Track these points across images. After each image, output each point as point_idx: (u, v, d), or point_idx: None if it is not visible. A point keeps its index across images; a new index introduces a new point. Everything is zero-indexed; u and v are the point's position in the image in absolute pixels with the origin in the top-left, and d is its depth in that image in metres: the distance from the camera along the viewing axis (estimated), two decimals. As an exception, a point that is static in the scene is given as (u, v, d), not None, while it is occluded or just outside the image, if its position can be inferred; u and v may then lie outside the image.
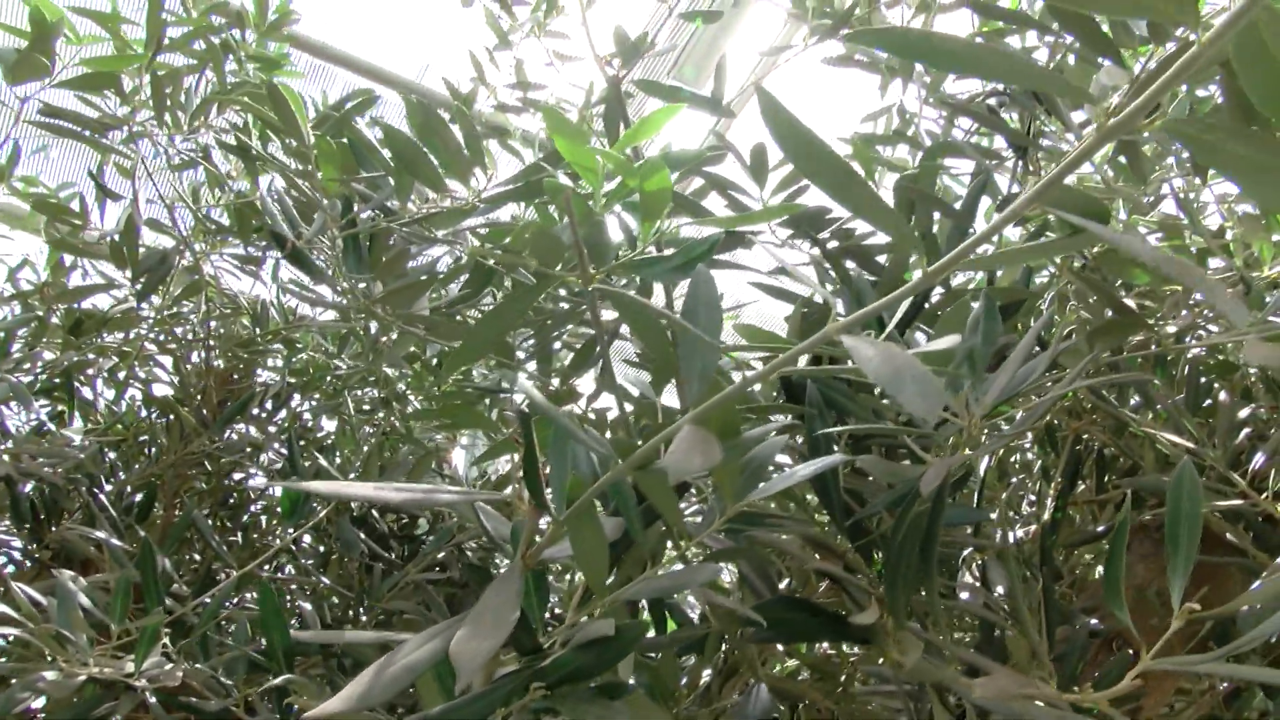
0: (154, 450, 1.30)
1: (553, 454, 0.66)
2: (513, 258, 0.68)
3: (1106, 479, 1.08)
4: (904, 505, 0.70)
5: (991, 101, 1.09)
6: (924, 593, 0.64)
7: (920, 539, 0.64)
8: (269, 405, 1.38)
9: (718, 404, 0.55)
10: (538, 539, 0.65)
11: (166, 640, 0.92)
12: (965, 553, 1.05)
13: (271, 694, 0.73)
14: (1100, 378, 0.86)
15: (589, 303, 0.65)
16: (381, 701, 0.60)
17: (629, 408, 0.87)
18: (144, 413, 1.35)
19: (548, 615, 0.84)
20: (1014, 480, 1.07)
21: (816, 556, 0.77)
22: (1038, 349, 0.93)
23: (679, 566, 0.79)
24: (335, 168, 0.85)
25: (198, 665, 0.94)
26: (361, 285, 0.91)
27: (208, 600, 1.02)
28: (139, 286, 1.18)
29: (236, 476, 1.41)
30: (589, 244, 0.64)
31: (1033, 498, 1.19)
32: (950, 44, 0.40)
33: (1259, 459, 0.88)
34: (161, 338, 1.33)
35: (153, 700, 0.90)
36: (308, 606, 1.20)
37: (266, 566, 1.36)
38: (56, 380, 1.24)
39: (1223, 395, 0.94)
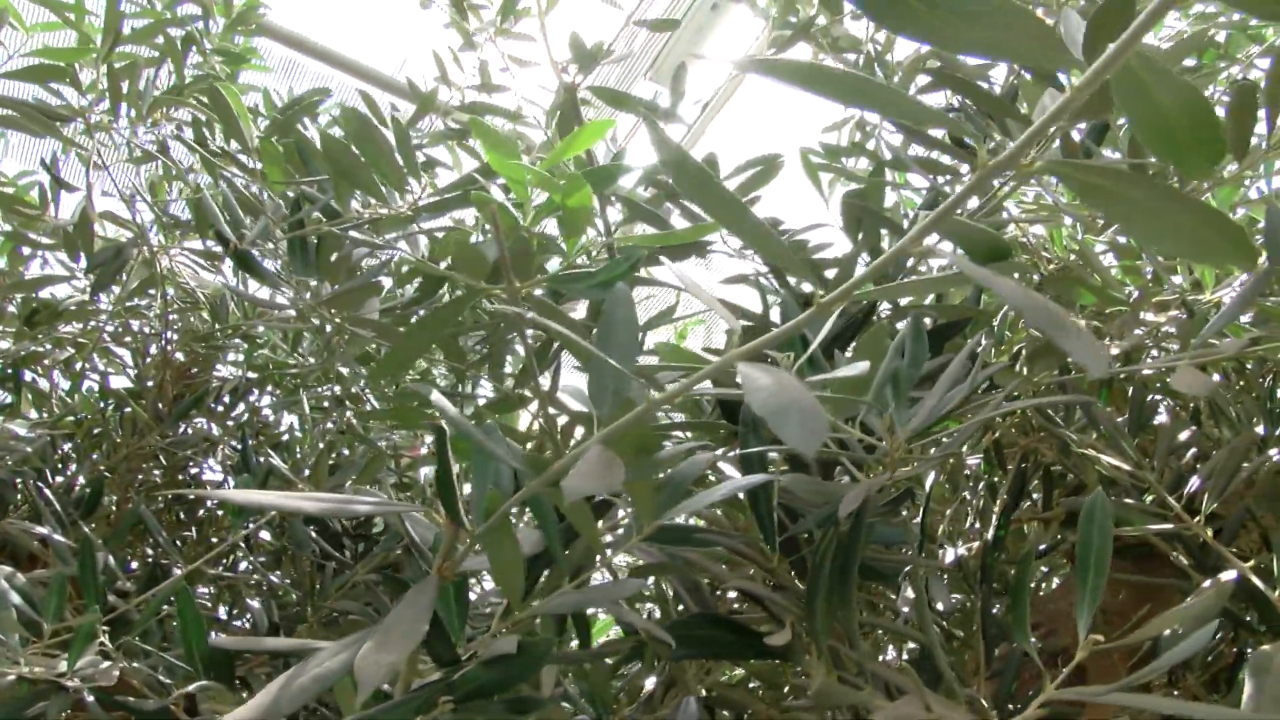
0: (105, 444, 1.30)
1: (474, 467, 0.67)
2: (455, 267, 0.68)
3: (1053, 496, 1.09)
4: (829, 525, 0.70)
5: (950, 116, 1.09)
6: (841, 612, 0.65)
7: (839, 560, 0.65)
8: (226, 400, 1.38)
9: (628, 424, 0.55)
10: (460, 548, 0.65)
11: (106, 638, 0.92)
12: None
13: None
14: (1040, 398, 0.86)
15: (517, 316, 0.66)
16: (289, 712, 0.60)
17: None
18: (99, 405, 1.35)
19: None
20: (963, 495, 1.08)
21: (751, 572, 0.78)
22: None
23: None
24: (279, 169, 0.85)
25: (136, 664, 0.95)
26: (309, 286, 0.91)
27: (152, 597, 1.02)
28: (93, 279, 1.18)
29: (193, 471, 1.41)
30: (515, 257, 0.64)
31: (987, 512, 1.19)
32: (836, 75, 0.41)
33: (1194, 482, 0.88)
34: (118, 330, 1.33)
35: (90, 699, 0.90)
36: (255, 604, 1.21)
37: (222, 563, 1.37)
38: (9, 371, 1.24)
39: (1164, 417, 0.95)
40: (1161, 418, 0.98)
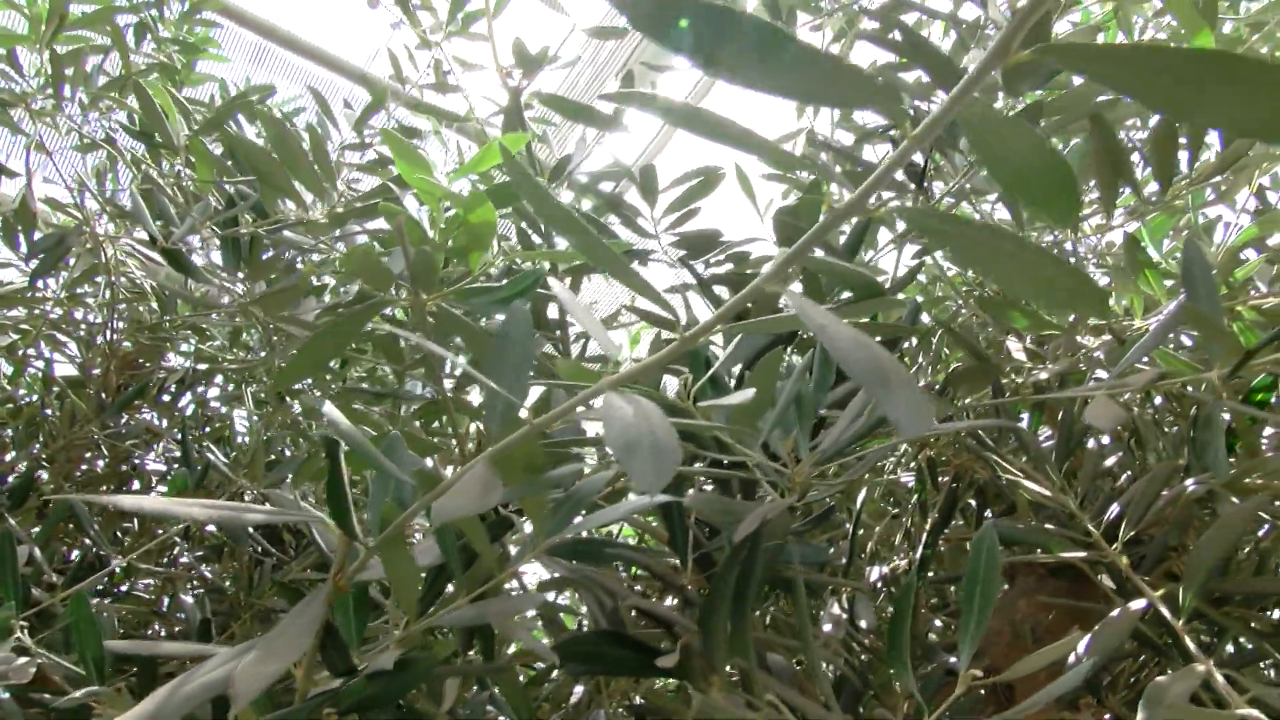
0: (44, 433, 1.29)
1: (375, 479, 0.67)
2: (359, 278, 0.68)
3: (984, 517, 1.09)
4: (739, 545, 0.71)
5: (895, 133, 1.10)
6: (736, 632, 0.65)
7: (735, 580, 0.65)
8: (172, 391, 1.38)
9: (511, 444, 0.56)
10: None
11: (25, 634, 0.92)
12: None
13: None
14: (971, 420, 0.87)
15: (422, 324, 0.66)
16: (174, 719, 0.60)
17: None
18: (39, 393, 1.34)
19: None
20: (894, 512, 1.08)
21: (664, 588, 0.78)
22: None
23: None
24: (209, 167, 0.85)
25: (57, 659, 0.94)
26: (240, 285, 0.91)
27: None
28: (33, 266, 1.18)
29: (136, 462, 1.41)
30: (420, 269, 0.64)
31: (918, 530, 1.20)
32: (697, 112, 0.41)
33: (1114, 509, 0.89)
34: (63, 318, 1.32)
35: (4, 695, 0.90)
36: (189, 599, 1.20)
37: (167, 555, 1.36)
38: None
39: (1091, 442, 0.95)
40: (1102, 441, 0.98)
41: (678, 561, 0.80)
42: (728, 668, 0.73)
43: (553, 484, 0.59)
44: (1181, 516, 0.89)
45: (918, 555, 1.01)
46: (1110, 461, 0.97)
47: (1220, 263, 0.86)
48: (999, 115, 0.37)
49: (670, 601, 0.96)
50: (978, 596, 0.58)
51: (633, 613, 0.83)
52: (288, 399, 1.26)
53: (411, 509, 0.61)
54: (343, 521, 0.63)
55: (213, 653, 0.66)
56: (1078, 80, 0.93)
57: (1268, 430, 0.95)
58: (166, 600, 1.38)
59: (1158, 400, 1.08)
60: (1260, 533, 0.98)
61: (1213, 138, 0.87)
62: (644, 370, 0.49)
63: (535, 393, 0.88)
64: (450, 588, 0.76)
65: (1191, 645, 0.77)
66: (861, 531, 1.06)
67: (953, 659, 0.99)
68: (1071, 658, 0.79)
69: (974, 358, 0.87)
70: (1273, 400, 0.95)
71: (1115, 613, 0.81)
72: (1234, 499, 0.84)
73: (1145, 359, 0.90)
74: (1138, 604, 0.81)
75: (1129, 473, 1.03)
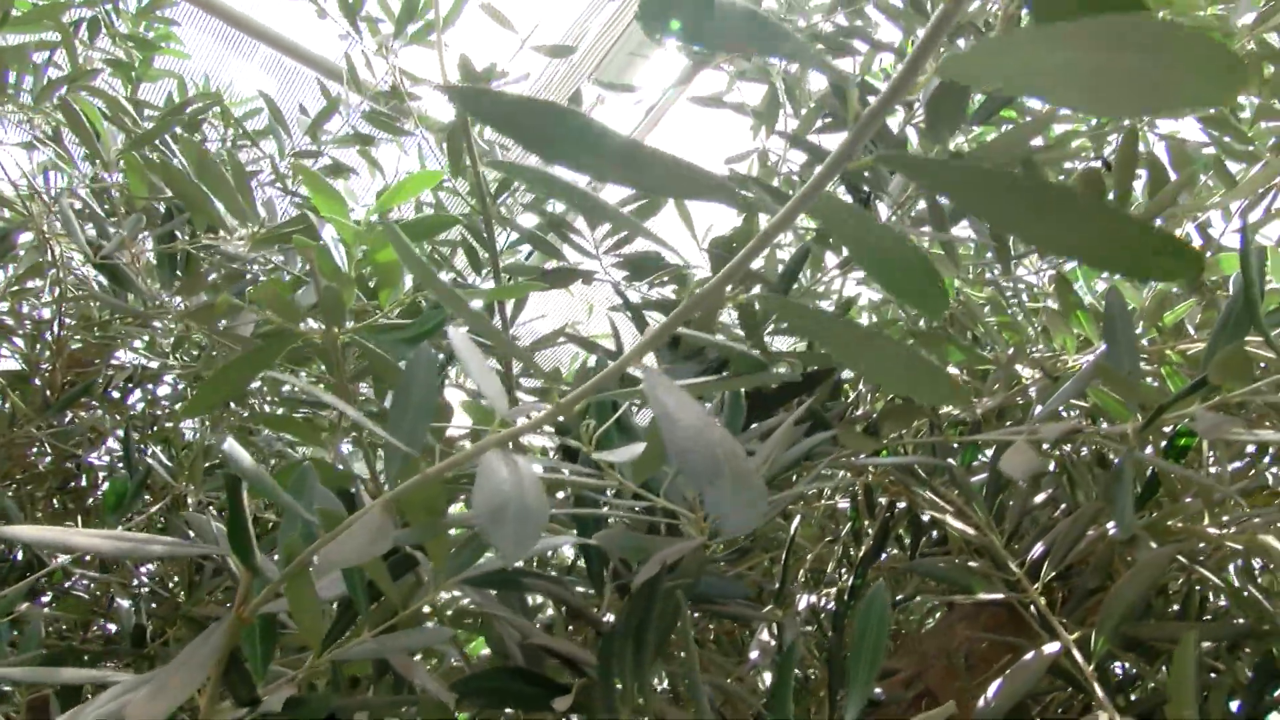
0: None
1: (286, 513, 0.67)
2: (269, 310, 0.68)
3: (919, 547, 1.10)
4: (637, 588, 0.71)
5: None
6: (635, 671, 0.66)
7: (635, 620, 0.66)
8: (120, 388, 1.37)
9: (406, 490, 0.56)
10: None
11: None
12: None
13: None
14: (886, 458, 0.87)
15: (332, 353, 0.66)
16: (66, 750, 0.60)
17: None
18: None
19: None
20: (827, 540, 1.09)
21: (572, 624, 0.78)
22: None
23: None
24: (142, 181, 0.84)
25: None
26: (175, 299, 0.91)
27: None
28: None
29: (81, 459, 1.40)
30: (328, 303, 0.64)
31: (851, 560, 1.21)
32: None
33: (1038, 549, 0.90)
34: (8, 313, 1.31)
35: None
36: (125, 604, 1.20)
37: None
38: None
39: (1022, 480, 0.96)
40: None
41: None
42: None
43: (453, 525, 0.60)
44: (1103, 559, 0.90)
45: (849, 584, 1.02)
46: (1041, 499, 0.98)
47: (1148, 308, 0.87)
48: (850, 210, 0.37)
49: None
50: (865, 652, 0.59)
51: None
52: (234, 405, 1.26)
53: (311, 548, 0.61)
54: (243, 556, 0.63)
55: (113, 681, 0.66)
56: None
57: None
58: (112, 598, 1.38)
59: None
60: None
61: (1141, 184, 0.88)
62: (544, 420, 0.49)
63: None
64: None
65: (1100, 691, 0.78)
66: (794, 560, 1.06)
67: (878, 690, 1.01)
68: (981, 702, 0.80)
69: (895, 398, 0.87)
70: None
71: (1029, 656, 0.82)
72: (1152, 544, 0.85)
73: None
74: (1051, 647, 0.82)
75: (1062, 510, 1.04)
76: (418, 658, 0.77)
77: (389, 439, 0.55)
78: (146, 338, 1.42)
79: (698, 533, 0.68)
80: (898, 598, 1.06)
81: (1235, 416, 0.93)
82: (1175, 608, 1.04)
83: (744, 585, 0.77)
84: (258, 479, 0.60)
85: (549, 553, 1.02)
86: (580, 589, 0.86)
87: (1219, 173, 1.18)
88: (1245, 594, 0.83)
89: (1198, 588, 1.00)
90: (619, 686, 0.67)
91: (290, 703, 0.58)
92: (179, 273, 0.90)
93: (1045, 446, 0.96)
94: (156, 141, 0.95)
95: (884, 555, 1.09)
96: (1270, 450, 1.06)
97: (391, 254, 0.61)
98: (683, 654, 1.13)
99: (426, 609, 0.80)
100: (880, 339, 0.39)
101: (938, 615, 1.28)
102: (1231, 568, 0.94)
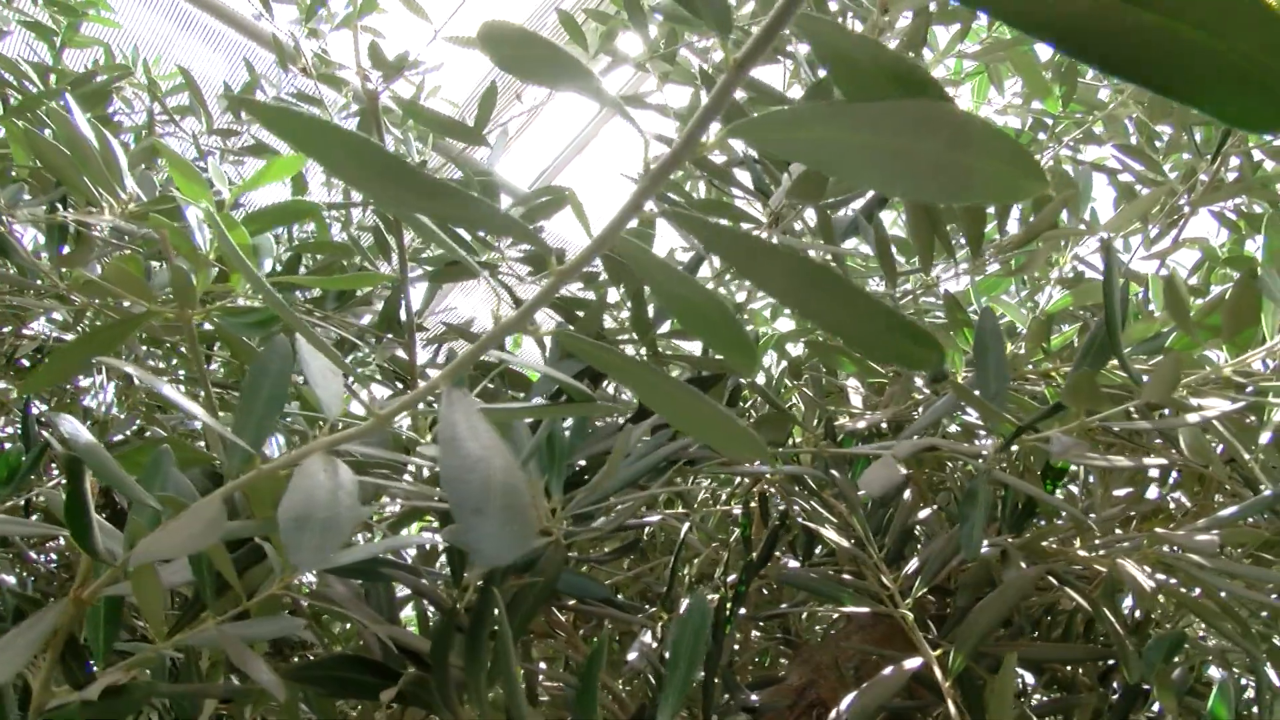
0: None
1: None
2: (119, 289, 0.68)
3: (812, 555, 1.11)
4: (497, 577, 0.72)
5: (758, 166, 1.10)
6: (470, 667, 0.66)
7: (475, 616, 0.66)
8: (30, 358, 1.35)
9: (243, 484, 0.56)
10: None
11: None
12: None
13: None
14: (769, 466, 0.88)
15: (187, 334, 0.65)
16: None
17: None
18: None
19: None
20: (714, 545, 1.09)
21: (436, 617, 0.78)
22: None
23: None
24: (23, 150, 0.83)
25: None
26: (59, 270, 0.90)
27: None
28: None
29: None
30: (177, 284, 0.64)
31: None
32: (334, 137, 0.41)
33: (912, 564, 0.91)
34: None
35: None
36: (10, 580, 1.19)
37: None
38: None
39: (907, 494, 0.97)
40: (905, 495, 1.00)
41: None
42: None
43: (252, 531, 0.60)
44: (976, 577, 0.91)
45: (731, 590, 1.02)
46: (926, 514, 0.99)
47: (1032, 329, 0.88)
48: (656, 259, 0.38)
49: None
50: (681, 659, 0.60)
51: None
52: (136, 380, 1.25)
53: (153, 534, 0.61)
54: (82, 540, 0.62)
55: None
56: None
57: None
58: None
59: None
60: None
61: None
62: (365, 430, 0.49)
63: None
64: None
65: (953, 709, 0.79)
66: (681, 564, 1.07)
67: (755, 696, 1.01)
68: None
69: (772, 405, 0.88)
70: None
71: (888, 670, 0.83)
72: (1022, 564, 0.86)
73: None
74: (912, 662, 0.83)
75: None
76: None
77: (225, 434, 0.55)
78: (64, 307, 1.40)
79: (547, 528, 0.68)
80: (783, 605, 1.07)
81: (1102, 441, 0.95)
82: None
83: (602, 585, 0.77)
84: (97, 461, 0.60)
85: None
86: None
87: (1127, 199, 1.20)
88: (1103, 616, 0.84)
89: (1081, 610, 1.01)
90: (458, 678, 0.67)
91: (110, 691, 0.58)
92: (67, 245, 0.89)
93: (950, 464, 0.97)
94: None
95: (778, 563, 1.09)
96: (1169, 474, 1.08)
97: (243, 236, 0.61)
98: (570, 651, 1.14)
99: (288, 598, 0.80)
100: (678, 389, 0.39)
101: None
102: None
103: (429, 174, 0.41)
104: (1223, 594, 0.82)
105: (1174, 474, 1.09)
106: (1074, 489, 1.22)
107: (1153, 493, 1.12)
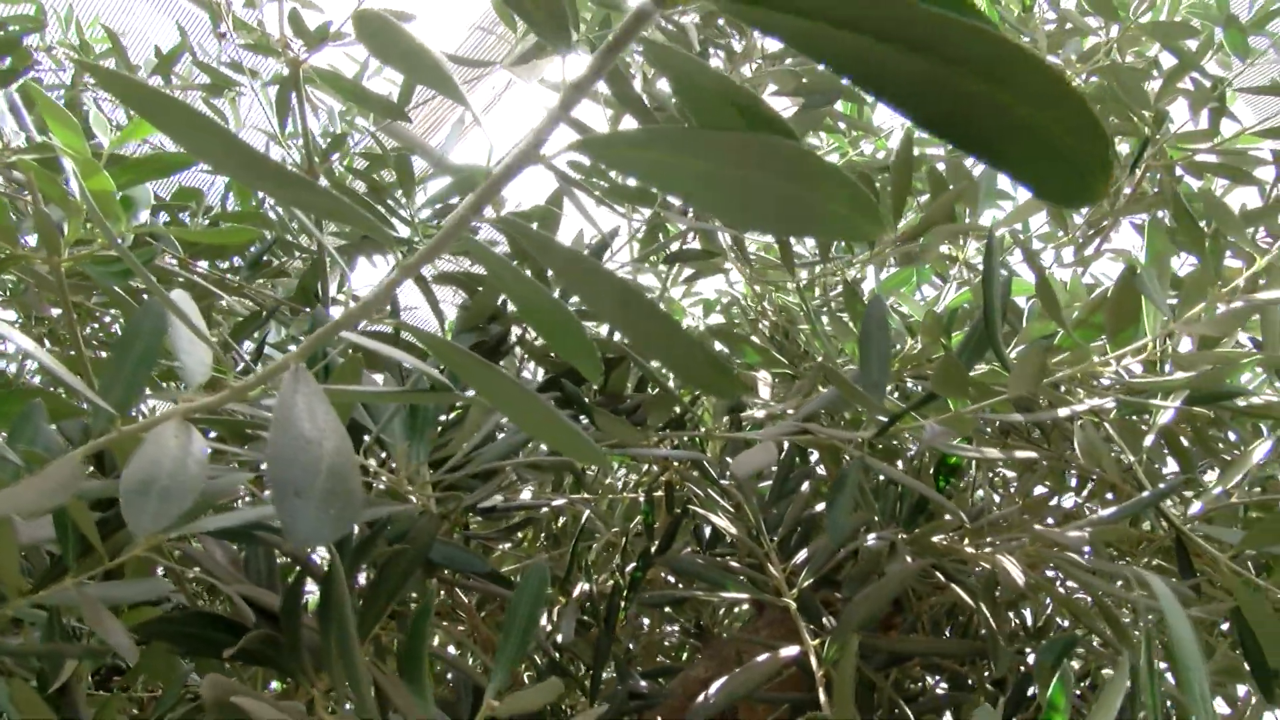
0: None
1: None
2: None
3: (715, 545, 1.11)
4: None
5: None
6: (323, 622, 0.65)
7: (325, 589, 0.65)
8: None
9: (97, 448, 0.55)
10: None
11: None
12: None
13: None
14: (657, 450, 0.88)
15: (56, 281, 0.65)
16: None
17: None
18: None
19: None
20: (613, 531, 1.09)
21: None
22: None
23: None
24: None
25: None
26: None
27: None
28: None
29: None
30: (40, 228, 0.63)
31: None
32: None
33: (801, 555, 0.91)
34: None
35: None
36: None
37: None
38: None
39: (805, 486, 0.97)
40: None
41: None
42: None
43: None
44: (863, 570, 0.91)
45: (627, 576, 1.02)
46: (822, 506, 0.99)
47: (926, 324, 0.89)
48: (497, 260, 0.38)
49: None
50: (517, 627, 0.59)
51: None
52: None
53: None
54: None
55: None
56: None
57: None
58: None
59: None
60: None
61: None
62: (220, 401, 0.49)
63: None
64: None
65: (824, 698, 0.79)
66: (581, 548, 1.06)
67: (644, 683, 1.01)
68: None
69: (659, 387, 0.88)
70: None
71: (762, 657, 0.83)
72: (908, 559, 0.86)
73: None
74: (789, 651, 0.84)
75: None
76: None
77: (86, 393, 0.55)
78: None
79: (404, 492, 0.68)
80: (680, 592, 1.07)
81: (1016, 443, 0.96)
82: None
83: (479, 559, 0.76)
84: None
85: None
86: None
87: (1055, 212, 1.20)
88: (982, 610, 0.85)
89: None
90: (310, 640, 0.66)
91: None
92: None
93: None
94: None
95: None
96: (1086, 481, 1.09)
97: (107, 184, 0.61)
98: (475, 634, 1.13)
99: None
100: (517, 390, 0.40)
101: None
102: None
103: (272, 160, 0.41)
104: (1101, 593, 0.83)
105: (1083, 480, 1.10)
106: (992, 491, 1.23)
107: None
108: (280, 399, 0.42)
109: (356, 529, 0.83)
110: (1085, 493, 1.09)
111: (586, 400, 0.88)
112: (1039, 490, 1.14)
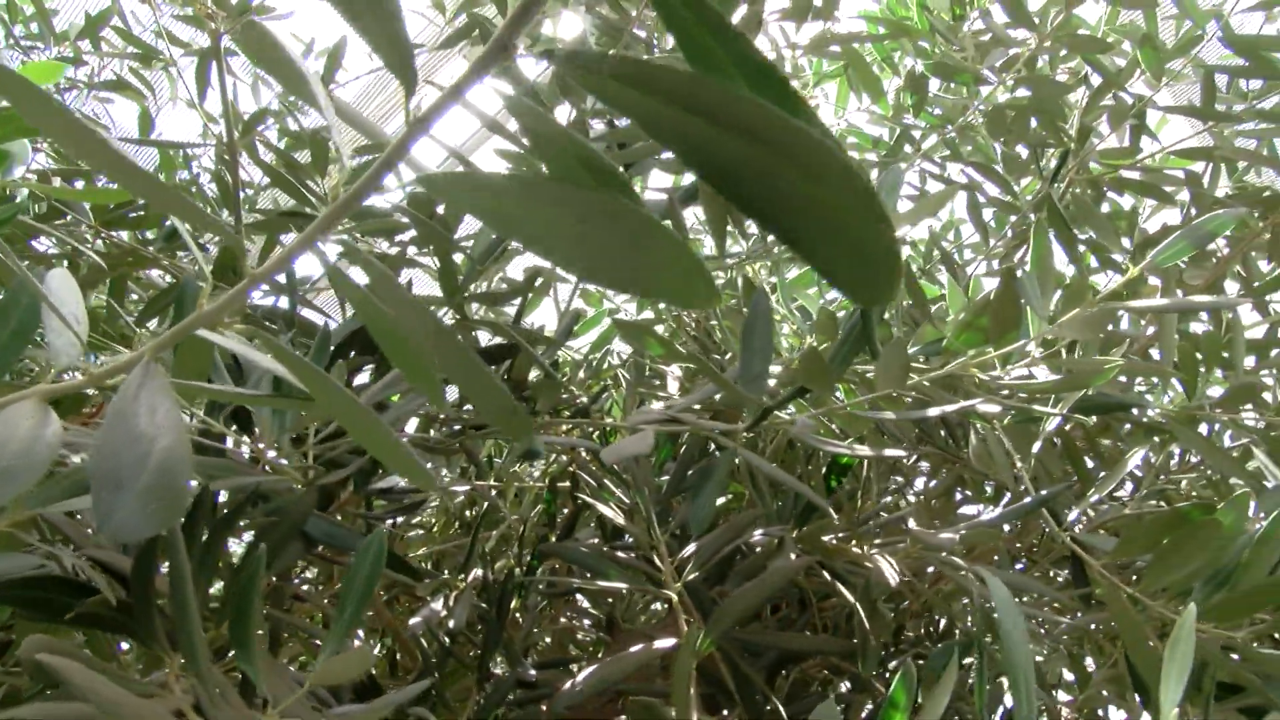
0: None
1: None
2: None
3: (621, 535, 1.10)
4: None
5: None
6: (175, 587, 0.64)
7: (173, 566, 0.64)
8: None
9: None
10: None
11: None
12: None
13: None
14: (551, 437, 0.87)
15: None
16: None
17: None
18: None
19: None
20: (513, 519, 1.09)
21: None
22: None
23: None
24: None
25: None
26: None
27: None
28: None
29: None
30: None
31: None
32: None
33: (691, 547, 0.91)
34: None
35: None
36: None
37: None
38: None
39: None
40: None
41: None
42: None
43: None
44: (750, 566, 0.91)
45: (523, 564, 1.02)
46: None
47: (819, 321, 0.89)
48: (346, 281, 0.38)
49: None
50: (354, 595, 0.59)
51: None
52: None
53: None
54: None
55: None
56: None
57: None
58: None
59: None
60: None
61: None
62: (76, 387, 0.48)
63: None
64: None
65: (692, 691, 0.79)
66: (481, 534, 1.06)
67: (534, 672, 1.00)
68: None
69: (542, 373, 0.88)
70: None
71: (636, 646, 0.83)
72: (792, 555, 0.86)
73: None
74: (663, 642, 0.83)
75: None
76: None
77: None
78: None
79: (297, 476, 0.67)
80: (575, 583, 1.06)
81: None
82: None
83: (354, 535, 0.76)
84: None
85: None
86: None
87: (975, 218, 1.21)
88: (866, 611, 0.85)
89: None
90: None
91: None
92: None
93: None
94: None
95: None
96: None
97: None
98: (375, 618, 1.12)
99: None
100: (348, 401, 0.40)
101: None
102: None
103: (114, 145, 0.41)
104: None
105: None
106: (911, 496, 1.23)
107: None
108: (122, 393, 0.42)
109: (226, 496, 0.82)
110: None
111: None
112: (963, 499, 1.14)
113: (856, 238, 0.28)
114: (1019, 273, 0.73)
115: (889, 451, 0.77)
